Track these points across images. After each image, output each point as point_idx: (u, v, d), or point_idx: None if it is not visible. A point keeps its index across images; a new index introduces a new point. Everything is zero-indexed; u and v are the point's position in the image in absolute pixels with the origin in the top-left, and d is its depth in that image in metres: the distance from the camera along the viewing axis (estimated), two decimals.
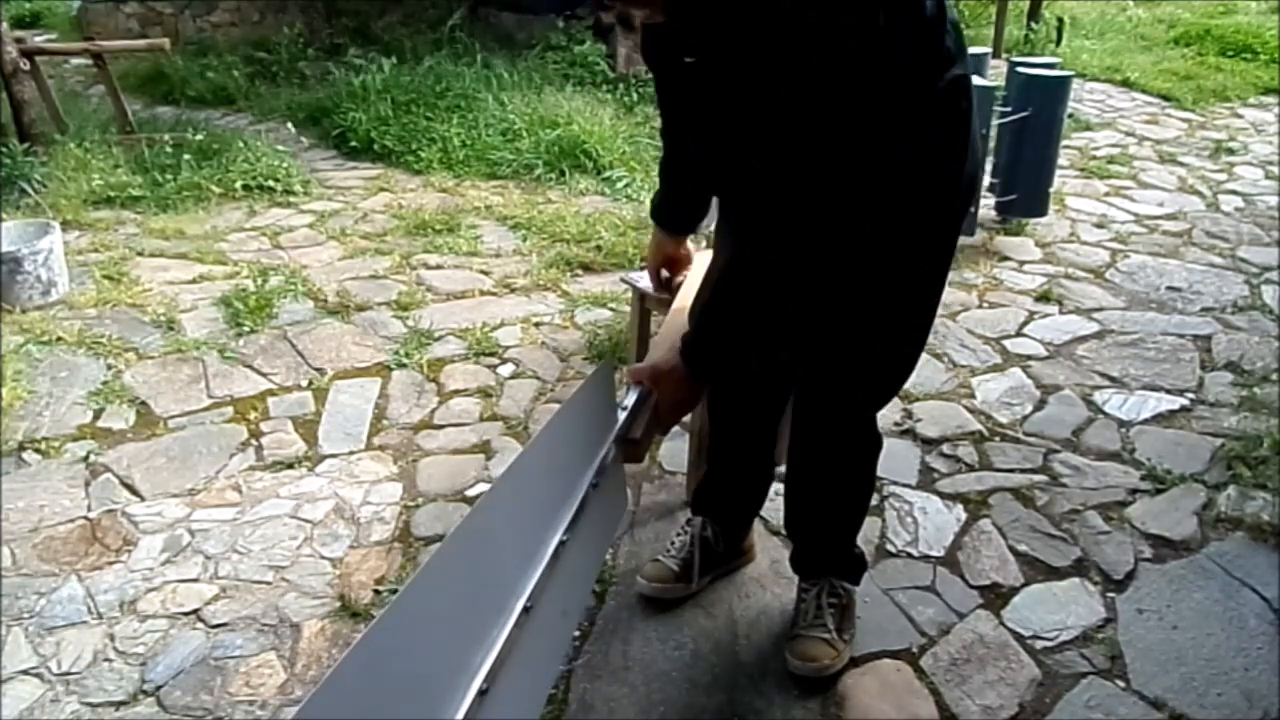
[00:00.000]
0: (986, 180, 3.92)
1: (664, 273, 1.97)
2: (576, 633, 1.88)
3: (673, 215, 1.84)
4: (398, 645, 0.87)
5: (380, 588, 2.02)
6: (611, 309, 3.30)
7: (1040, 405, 2.74)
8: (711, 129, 1.45)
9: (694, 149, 1.64)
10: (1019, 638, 1.88)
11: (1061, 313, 3.36)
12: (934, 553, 2.12)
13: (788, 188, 1.28)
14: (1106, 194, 4.67)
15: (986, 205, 3.97)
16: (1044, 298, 3.46)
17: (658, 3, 1.20)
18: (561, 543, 1.15)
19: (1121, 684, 1.77)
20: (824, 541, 1.85)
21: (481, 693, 0.95)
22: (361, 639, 0.84)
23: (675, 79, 1.51)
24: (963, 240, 3.85)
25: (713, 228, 2.04)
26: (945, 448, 2.51)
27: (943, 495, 2.32)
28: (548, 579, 1.10)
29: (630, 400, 1.42)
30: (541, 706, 1.20)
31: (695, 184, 1.74)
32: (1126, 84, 6.99)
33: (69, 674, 1.79)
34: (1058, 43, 7.65)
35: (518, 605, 1.05)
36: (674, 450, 2.48)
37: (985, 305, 3.41)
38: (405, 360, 2.97)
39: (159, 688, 1.76)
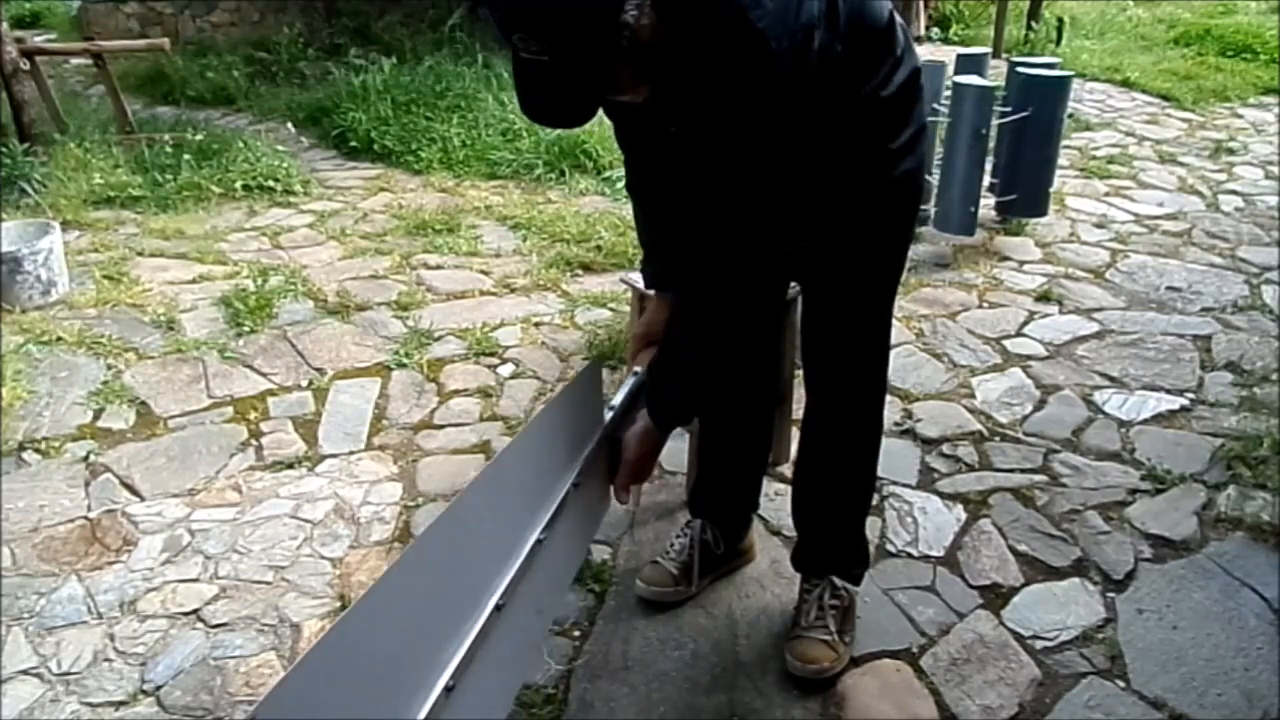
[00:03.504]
0: (986, 180, 3.91)
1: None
2: (576, 633, 1.88)
3: (670, 272, 1.69)
4: (364, 641, 0.86)
5: None
6: (611, 309, 3.30)
7: (1040, 405, 2.73)
8: (687, 184, 1.46)
9: (664, 204, 1.63)
10: (1019, 638, 1.88)
11: (1061, 313, 3.35)
12: (934, 553, 2.12)
13: (768, 212, 1.34)
14: (1106, 194, 4.67)
15: (986, 205, 3.97)
16: (1044, 298, 3.46)
17: (643, 88, 1.24)
18: (539, 541, 1.15)
19: (1121, 684, 1.77)
20: (829, 534, 1.86)
21: (448, 689, 0.94)
22: (328, 633, 0.83)
23: (650, 147, 1.53)
24: (963, 240, 3.85)
25: None
26: (945, 448, 2.51)
27: (943, 495, 2.32)
28: (522, 577, 1.10)
29: (618, 400, 1.42)
30: (509, 706, 1.20)
31: (676, 233, 1.66)
32: (1126, 84, 6.99)
33: (69, 674, 1.79)
34: (1058, 43, 7.65)
35: (490, 603, 1.04)
36: (674, 450, 2.47)
37: (985, 305, 3.41)
38: (405, 360, 2.97)
39: (159, 688, 1.76)
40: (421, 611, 0.96)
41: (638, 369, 1.52)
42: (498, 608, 1.04)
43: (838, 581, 1.84)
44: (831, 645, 1.77)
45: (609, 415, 1.38)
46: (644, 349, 1.61)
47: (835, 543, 1.86)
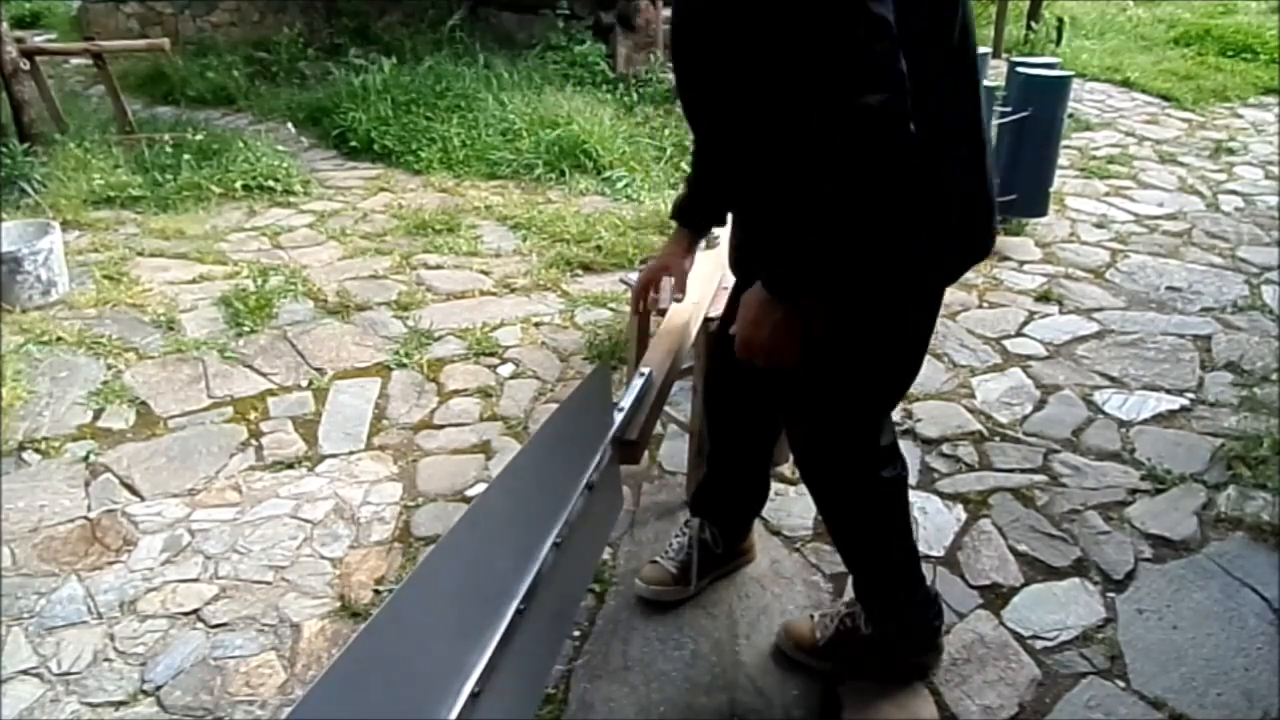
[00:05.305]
0: None
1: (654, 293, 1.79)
2: (576, 633, 1.88)
3: (695, 210, 1.75)
4: (391, 647, 0.87)
5: (380, 588, 2.02)
6: (611, 309, 3.30)
7: (1040, 405, 2.74)
8: (735, 119, 1.44)
9: (716, 147, 1.62)
10: (1019, 638, 1.88)
11: (1061, 313, 3.36)
12: (934, 553, 2.12)
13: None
14: (1106, 194, 4.67)
15: None
16: (1044, 298, 3.46)
17: None
18: (556, 544, 1.15)
19: (1121, 684, 1.77)
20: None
21: (474, 695, 0.95)
22: (354, 640, 0.84)
23: (701, 68, 1.45)
24: None
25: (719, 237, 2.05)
26: (945, 448, 2.51)
27: (943, 495, 2.32)
28: (542, 581, 1.10)
29: (627, 401, 1.42)
30: (535, 709, 1.20)
31: (719, 180, 1.69)
32: (1126, 84, 6.99)
33: (69, 674, 1.79)
34: (1058, 43, 7.65)
35: (511, 607, 1.05)
36: (674, 450, 2.48)
37: (985, 305, 3.41)
38: (405, 360, 2.97)
39: (159, 688, 1.76)
40: (444, 617, 0.96)
41: (643, 370, 1.52)
42: (519, 611, 1.05)
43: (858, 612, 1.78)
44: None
45: (618, 417, 1.38)
46: (654, 284, 1.71)
47: (861, 590, 1.79)
